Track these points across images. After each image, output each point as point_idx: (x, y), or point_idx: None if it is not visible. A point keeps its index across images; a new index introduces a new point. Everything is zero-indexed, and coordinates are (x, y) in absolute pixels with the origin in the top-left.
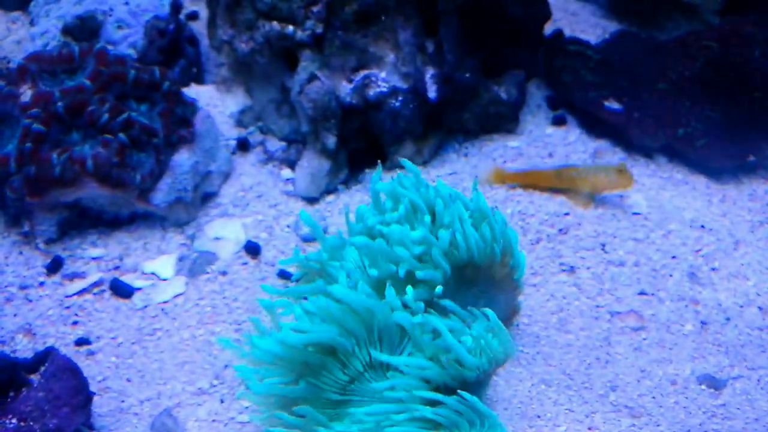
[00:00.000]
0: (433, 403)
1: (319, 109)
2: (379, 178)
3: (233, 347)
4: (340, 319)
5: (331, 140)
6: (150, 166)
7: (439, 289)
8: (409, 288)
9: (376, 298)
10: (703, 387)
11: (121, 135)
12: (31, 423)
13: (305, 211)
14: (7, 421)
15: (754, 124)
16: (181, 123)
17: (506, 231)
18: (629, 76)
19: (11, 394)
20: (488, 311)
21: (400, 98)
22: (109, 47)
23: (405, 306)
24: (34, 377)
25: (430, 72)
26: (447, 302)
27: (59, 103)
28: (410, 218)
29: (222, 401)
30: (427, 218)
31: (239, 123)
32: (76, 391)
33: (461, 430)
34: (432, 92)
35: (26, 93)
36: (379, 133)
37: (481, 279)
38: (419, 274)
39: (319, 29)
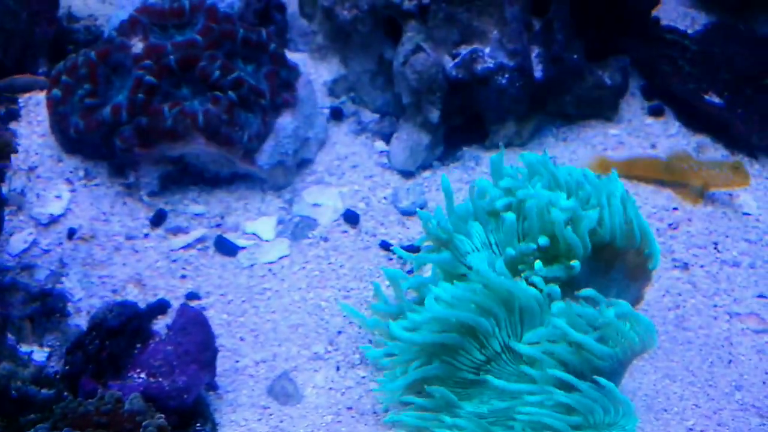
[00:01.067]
0: (567, 388)
1: (425, 81)
2: (499, 157)
3: (357, 315)
4: (480, 298)
5: (434, 114)
6: (257, 127)
7: (576, 263)
8: (538, 263)
9: (511, 278)
10: None
11: (231, 93)
12: (160, 379)
13: (445, 176)
14: (135, 375)
15: None
16: (284, 86)
17: (642, 220)
18: (730, 69)
19: (138, 345)
20: (623, 303)
21: (506, 75)
22: None
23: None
24: (160, 330)
25: (536, 51)
26: (590, 291)
27: (171, 56)
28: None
29: (338, 369)
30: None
31: (331, 92)
32: (205, 347)
33: (595, 416)
34: (538, 71)
35: (137, 45)
36: (483, 110)
37: (616, 265)
38: (570, 235)
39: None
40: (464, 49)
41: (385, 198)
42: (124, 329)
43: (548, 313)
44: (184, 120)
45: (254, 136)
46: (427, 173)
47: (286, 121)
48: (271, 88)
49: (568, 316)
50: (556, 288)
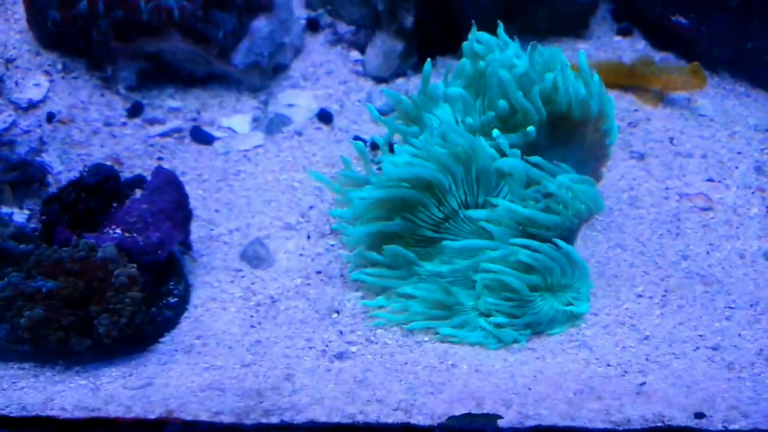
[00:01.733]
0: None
1: None
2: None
3: (324, 180)
4: (439, 156)
5: (409, 20)
6: (232, 25)
7: (531, 129)
8: (495, 131)
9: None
10: None
11: None
12: (135, 235)
13: (429, 61)
14: (111, 231)
15: None
16: None
17: (603, 94)
18: None
19: (114, 205)
20: (570, 169)
21: None
22: None
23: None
24: (136, 192)
25: None
26: (536, 158)
27: None
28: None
29: (309, 237)
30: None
31: (308, 5)
32: (178, 206)
33: (553, 276)
34: None
35: None
36: (458, 18)
37: (573, 139)
38: (521, 101)
39: None
40: None
41: (359, 101)
42: (100, 188)
43: (503, 176)
44: (159, 14)
45: (229, 33)
46: (400, 80)
47: (261, 23)
48: None
49: (518, 172)
50: (516, 151)
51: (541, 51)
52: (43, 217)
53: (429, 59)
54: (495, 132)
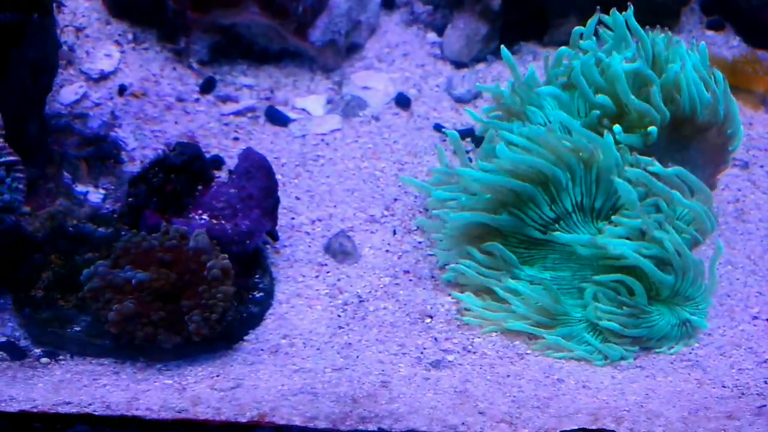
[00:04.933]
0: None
1: None
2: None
3: (418, 185)
4: (558, 149)
5: (496, 1)
6: (311, 0)
7: (653, 130)
8: (617, 127)
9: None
10: None
11: None
12: (223, 222)
13: (505, 48)
14: (197, 216)
15: None
16: None
17: (728, 95)
18: None
19: (200, 188)
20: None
21: None
22: None
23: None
24: (221, 174)
25: None
26: (676, 170)
27: None
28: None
29: (394, 233)
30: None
31: None
32: (268, 193)
33: (686, 280)
34: None
35: None
36: (546, 3)
37: (693, 142)
38: (636, 102)
39: None
40: None
41: (437, 86)
42: (186, 168)
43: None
44: None
45: (309, 8)
46: (480, 65)
47: None
48: None
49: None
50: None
51: (657, 42)
52: (130, 200)
53: (503, 46)
54: (617, 128)
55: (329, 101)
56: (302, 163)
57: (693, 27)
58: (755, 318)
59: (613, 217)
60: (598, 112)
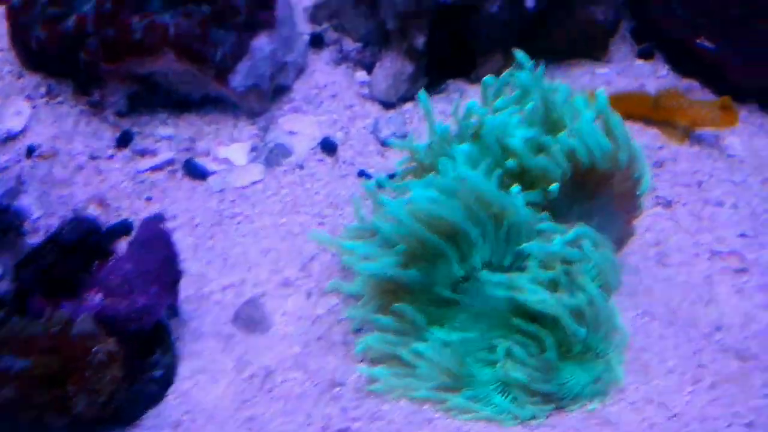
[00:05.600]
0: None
1: (413, 4)
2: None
3: (328, 241)
4: (468, 202)
5: (420, 40)
6: (231, 45)
7: (554, 187)
8: (515, 187)
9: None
10: None
11: (205, 6)
12: (118, 299)
13: (423, 93)
14: (92, 296)
15: None
16: (262, 5)
17: (629, 141)
18: (724, 12)
19: (96, 263)
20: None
21: (498, 3)
22: None
23: None
24: (119, 246)
25: None
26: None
27: None
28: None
29: (309, 295)
30: (541, 111)
31: (313, 19)
32: (167, 266)
33: (598, 334)
34: (530, 1)
35: None
36: (472, 40)
37: (600, 191)
38: (534, 162)
39: None
40: None
41: (364, 128)
42: (80, 245)
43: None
44: (154, 32)
45: (228, 54)
46: (408, 105)
47: (262, 42)
48: (247, 5)
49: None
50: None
51: (559, 92)
52: (16, 284)
53: (422, 91)
54: (515, 188)
55: (254, 148)
56: (218, 222)
57: (623, 55)
58: (670, 372)
59: (528, 266)
60: (500, 171)
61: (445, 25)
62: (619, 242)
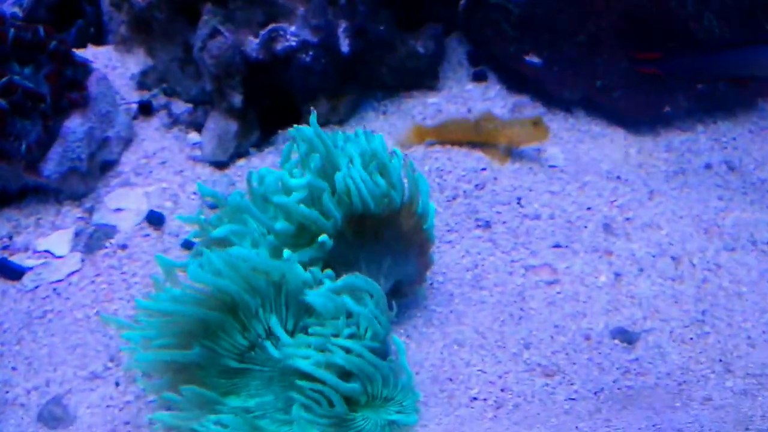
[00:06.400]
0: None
1: (223, 66)
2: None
3: (120, 323)
4: (246, 274)
5: (237, 98)
6: (37, 134)
7: (323, 238)
8: (286, 251)
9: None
10: (616, 341)
11: (1, 101)
12: None
13: (202, 184)
14: None
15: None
16: (72, 86)
17: (413, 176)
18: (550, 29)
19: None
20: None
21: (310, 53)
22: None
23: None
24: None
25: (342, 25)
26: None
27: None
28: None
29: (117, 384)
30: (318, 164)
31: (142, 85)
32: None
33: (374, 384)
34: (344, 46)
35: None
36: (290, 90)
37: (385, 231)
38: (305, 211)
39: None
40: (267, 29)
41: (194, 193)
42: None
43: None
44: None
45: (34, 144)
46: (241, 161)
47: (75, 123)
48: (53, 90)
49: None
50: (316, 273)
51: (338, 140)
52: None
53: (200, 183)
54: (286, 253)
55: (77, 233)
56: (27, 325)
57: (458, 80)
58: (474, 399)
59: (309, 329)
60: (272, 237)
61: (261, 78)
62: (420, 273)
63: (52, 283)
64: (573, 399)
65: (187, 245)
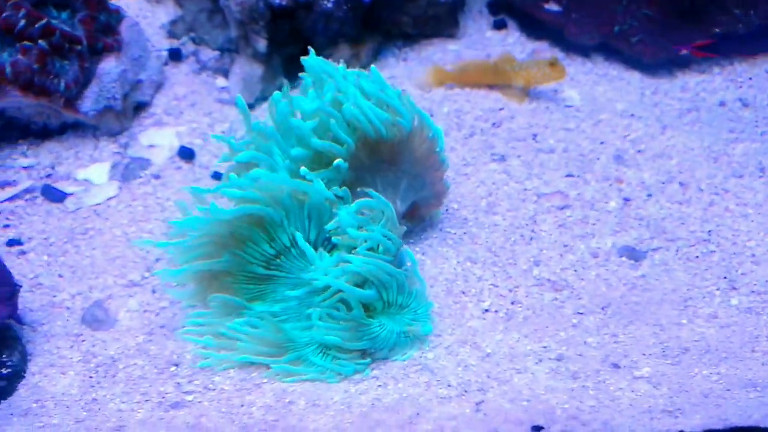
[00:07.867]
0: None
1: (247, 12)
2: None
3: (150, 244)
4: (270, 190)
5: (261, 44)
6: (74, 74)
7: (339, 162)
8: (303, 169)
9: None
10: (623, 259)
11: (41, 42)
12: None
13: (240, 97)
14: None
15: (687, 18)
16: (106, 31)
17: (413, 105)
18: None
19: None
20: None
21: None
22: None
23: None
24: None
25: None
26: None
27: None
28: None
29: (154, 292)
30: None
31: (171, 34)
32: (1, 283)
33: (389, 292)
34: None
35: None
36: (312, 36)
37: (400, 157)
38: (317, 143)
39: None
40: None
41: (222, 132)
42: None
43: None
44: None
45: (72, 82)
46: (266, 104)
47: (110, 65)
48: (88, 34)
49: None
50: (335, 191)
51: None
52: None
53: (239, 96)
54: (303, 170)
55: (114, 166)
56: (70, 239)
57: (478, 29)
58: (486, 311)
59: (333, 239)
60: (288, 162)
61: (284, 24)
62: (436, 197)
63: (92, 206)
64: (581, 313)
65: (217, 176)
